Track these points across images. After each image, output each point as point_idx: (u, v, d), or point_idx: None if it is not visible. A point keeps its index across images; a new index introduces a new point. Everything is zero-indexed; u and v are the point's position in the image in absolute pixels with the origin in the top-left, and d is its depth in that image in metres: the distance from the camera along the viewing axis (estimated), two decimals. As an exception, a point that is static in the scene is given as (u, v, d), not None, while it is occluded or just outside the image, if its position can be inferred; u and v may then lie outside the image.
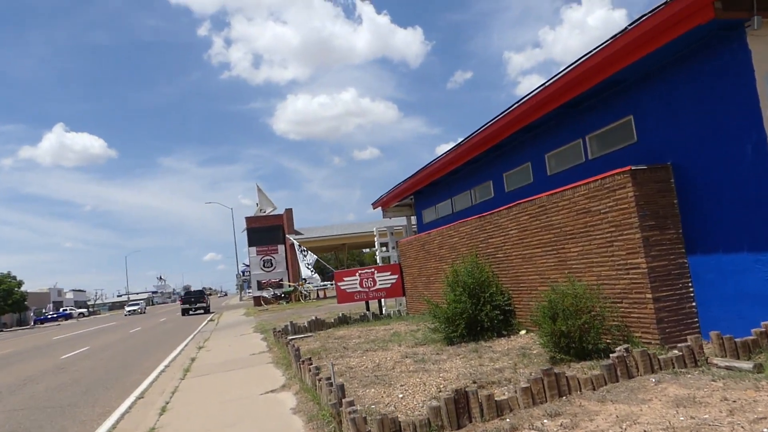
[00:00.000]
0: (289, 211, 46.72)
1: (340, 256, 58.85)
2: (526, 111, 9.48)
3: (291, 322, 15.10)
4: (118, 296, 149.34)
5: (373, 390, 7.09)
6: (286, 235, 45.42)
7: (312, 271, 37.16)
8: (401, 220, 21.03)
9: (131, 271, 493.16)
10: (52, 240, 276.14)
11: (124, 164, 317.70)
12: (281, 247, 46.99)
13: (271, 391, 8.20)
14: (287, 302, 42.36)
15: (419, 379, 7.33)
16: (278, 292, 44.43)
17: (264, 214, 48.76)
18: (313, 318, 15.39)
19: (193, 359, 13.27)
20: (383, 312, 16.84)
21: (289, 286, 44.02)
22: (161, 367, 13.06)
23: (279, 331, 13.75)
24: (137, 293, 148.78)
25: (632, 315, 7.20)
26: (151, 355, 15.90)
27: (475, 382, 6.54)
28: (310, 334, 14.27)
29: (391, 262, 18.34)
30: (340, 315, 15.92)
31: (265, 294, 44.15)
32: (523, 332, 9.78)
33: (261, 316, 29.24)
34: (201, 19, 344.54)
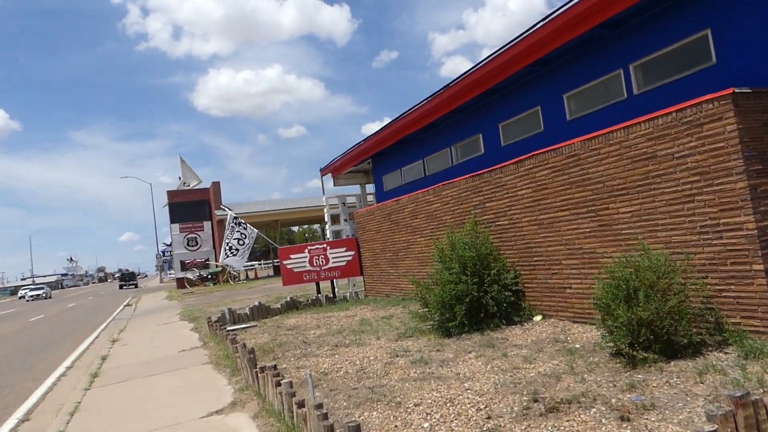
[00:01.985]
0: (216, 185, 42.88)
1: (272, 233, 55.53)
2: (548, 36, 7.35)
3: (229, 309, 12.47)
4: (22, 279, 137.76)
5: (375, 413, 4.80)
6: (214, 210, 41.76)
7: (234, 252, 33.22)
8: (339, 190, 18.67)
9: (39, 252, 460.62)
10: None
11: (30, 137, 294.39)
12: (207, 224, 43.22)
13: (217, 412, 5.73)
14: (214, 284, 39.08)
15: (437, 392, 5.11)
16: (204, 272, 40.93)
17: (188, 187, 44.68)
18: (256, 303, 12.82)
19: (104, 358, 10.42)
20: (337, 295, 14.50)
21: (217, 266, 40.58)
22: (62, 368, 10.15)
23: (215, 321, 11.11)
24: (45, 276, 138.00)
25: (726, 294, 5.29)
26: (52, 352, 12.80)
27: (536, 401, 4.39)
28: (253, 323, 11.73)
29: (344, 237, 15.99)
30: (288, 299, 13.42)
31: (189, 275, 40.51)
32: (538, 318, 7.78)
33: (186, 300, 26.07)
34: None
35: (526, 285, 8.05)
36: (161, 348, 10.68)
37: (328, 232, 16.41)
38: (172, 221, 42.88)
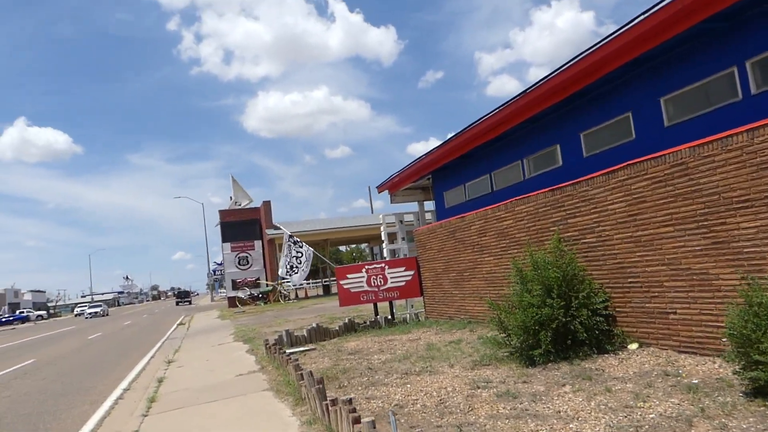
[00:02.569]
0: (267, 204, 43.19)
1: (320, 252, 55.59)
2: (647, 32, 6.61)
3: (286, 331, 12.00)
4: (81, 296, 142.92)
5: (470, 459, 4.11)
6: (265, 230, 41.99)
7: (296, 270, 33.05)
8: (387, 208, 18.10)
9: (96, 270, 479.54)
10: (13, 238, 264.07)
11: (90, 160, 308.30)
12: (258, 243, 43.50)
13: (285, 450, 5.16)
14: (265, 303, 39.07)
15: (541, 435, 4.38)
16: (255, 292, 41.04)
17: (239, 207, 45.22)
18: (314, 325, 12.31)
19: (160, 380, 10.07)
20: (395, 316, 13.84)
21: (267, 285, 40.65)
22: (118, 391, 9.84)
23: (273, 344, 10.63)
24: (102, 293, 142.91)
25: None
26: (109, 372, 12.62)
27: (674, 453, 3.62)
28: (311, 346, 11.20)
29: (400, 256, 15.38)
30: (347, 321, 12.86)
31: (240, 294, 40.70)
32: (633, 346, 6.92)
33: (238, 319, 25.93)
34: (170, 14, 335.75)
35: (618, 309, 7.21)
36: (218, 371, 10.27)
37: (385, 251, 15.83)
38: (224, 240, 43.37)
